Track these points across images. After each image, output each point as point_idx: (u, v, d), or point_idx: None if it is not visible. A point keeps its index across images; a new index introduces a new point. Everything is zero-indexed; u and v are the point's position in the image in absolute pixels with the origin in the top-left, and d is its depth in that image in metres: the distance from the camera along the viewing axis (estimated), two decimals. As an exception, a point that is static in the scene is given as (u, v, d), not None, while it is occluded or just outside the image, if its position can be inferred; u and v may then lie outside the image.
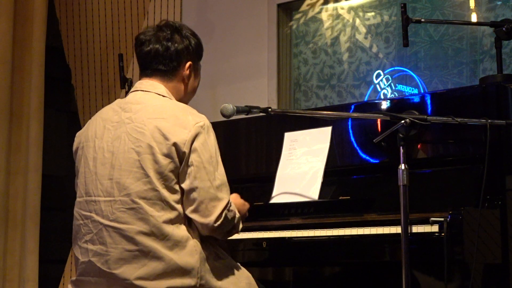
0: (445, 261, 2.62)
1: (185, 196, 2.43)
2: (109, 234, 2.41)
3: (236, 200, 2.65)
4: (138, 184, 2.40)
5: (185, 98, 2.65)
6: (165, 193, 2.40)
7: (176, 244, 2.38)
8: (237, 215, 2.51)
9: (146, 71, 2.60)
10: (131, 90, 2.62)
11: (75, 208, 2.55)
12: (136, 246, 2.37)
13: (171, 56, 2.57)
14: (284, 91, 4.62)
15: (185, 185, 2.42)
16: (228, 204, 2.45)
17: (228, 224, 2.47)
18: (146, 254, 2.37)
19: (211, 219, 2.41)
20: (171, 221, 2.40)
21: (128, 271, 2.37)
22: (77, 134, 2.64)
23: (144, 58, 2.59)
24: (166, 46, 2.56)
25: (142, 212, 2.38)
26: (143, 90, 2.57)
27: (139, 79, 2.63)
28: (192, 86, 2.65)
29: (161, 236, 2.38)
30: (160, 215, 2.39)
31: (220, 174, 2.47)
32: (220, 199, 2.43)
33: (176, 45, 2.57)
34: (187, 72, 2.60)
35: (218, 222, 2.42)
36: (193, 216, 2.43)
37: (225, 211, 2.44)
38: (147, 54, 2.58)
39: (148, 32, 2.61)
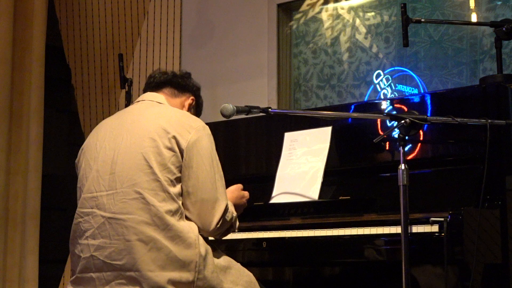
0: (445, 261, 2.62)
1: (184, 199, 2.46)
2: (112, 226, 2.43)
3: (233, 193, 2.69)
4: (141, 175, 2.43)
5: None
6: (167, 185, 2.43)
7: (177, 235, 2.40)
8: (234, 214, 2.55)
9: (154, 88, 2.75)
10: (135, 101, 2.72)
11: (76, 210, 2.56)
12: (137, 236, 2.39)
13: (179, 83, 2.76)
14: (284, 91, 4.62)
15: (184, 188, 2.45)
16: (226, 207, 2.49)
17: (225, 225, 2.50)
18: (147, 243, 2.38)
19: (210, 222, 2.44)
20: (172, 213, 2.42)
21: (131, 262, 2.38)
22: (81, 148, 2.70)
23: (157, 81, 2.76)
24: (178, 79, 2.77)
25: (144, 202, 2.40)
26: (144, 100, 2.67)
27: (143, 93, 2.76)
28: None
29: (162, 226, 2.39)
30: (161, 205, 2.40)
31: (219, 177, 2.50)
32: (219, 203, 2.46)
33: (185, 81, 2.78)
34: (189, 102, 2.77)
35: (218, 225, 2.46)
36: (193, 218, 2.46)
37: (224, 214, 2.47)
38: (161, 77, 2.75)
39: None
